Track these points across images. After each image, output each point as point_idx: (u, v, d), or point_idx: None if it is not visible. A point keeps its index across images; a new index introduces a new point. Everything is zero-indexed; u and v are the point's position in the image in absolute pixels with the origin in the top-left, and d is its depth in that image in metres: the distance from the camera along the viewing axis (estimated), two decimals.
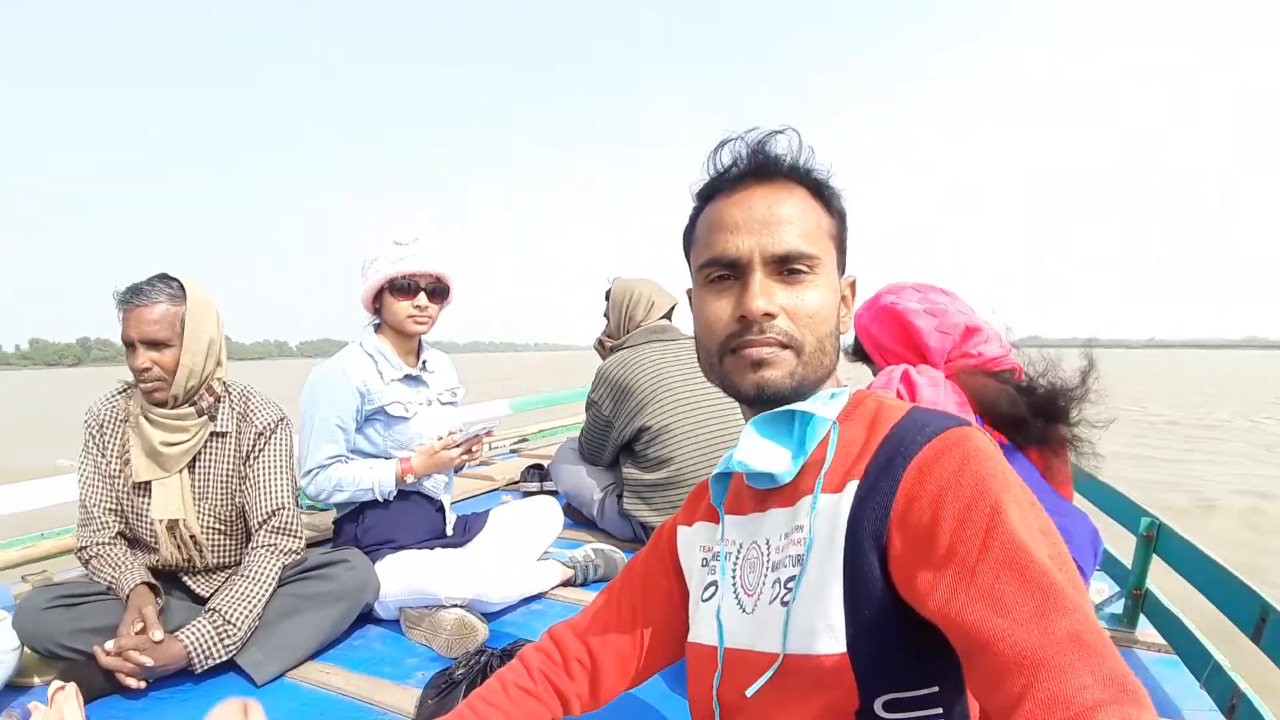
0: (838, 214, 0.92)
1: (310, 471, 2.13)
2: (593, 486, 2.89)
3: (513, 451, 4.92)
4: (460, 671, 1.52)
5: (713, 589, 0.97)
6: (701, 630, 0.98)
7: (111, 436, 1.90)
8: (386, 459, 2.21)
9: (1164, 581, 1.85)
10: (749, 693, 0.84)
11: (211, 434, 1.93)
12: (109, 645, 1.63)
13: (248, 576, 1.84)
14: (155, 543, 1.90)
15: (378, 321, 2.26)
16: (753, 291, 0.84)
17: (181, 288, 1.83)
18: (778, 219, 0.85)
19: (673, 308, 2.85)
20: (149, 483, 1.88)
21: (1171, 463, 9.98)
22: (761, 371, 0.85)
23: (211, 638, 1.72)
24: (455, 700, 1.41)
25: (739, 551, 0.95)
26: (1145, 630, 1.87)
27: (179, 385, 1.84)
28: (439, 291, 2.21)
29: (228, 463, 1.95)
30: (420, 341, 2.33)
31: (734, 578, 0.94)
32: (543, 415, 6.03)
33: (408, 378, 2.24)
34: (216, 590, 1.90)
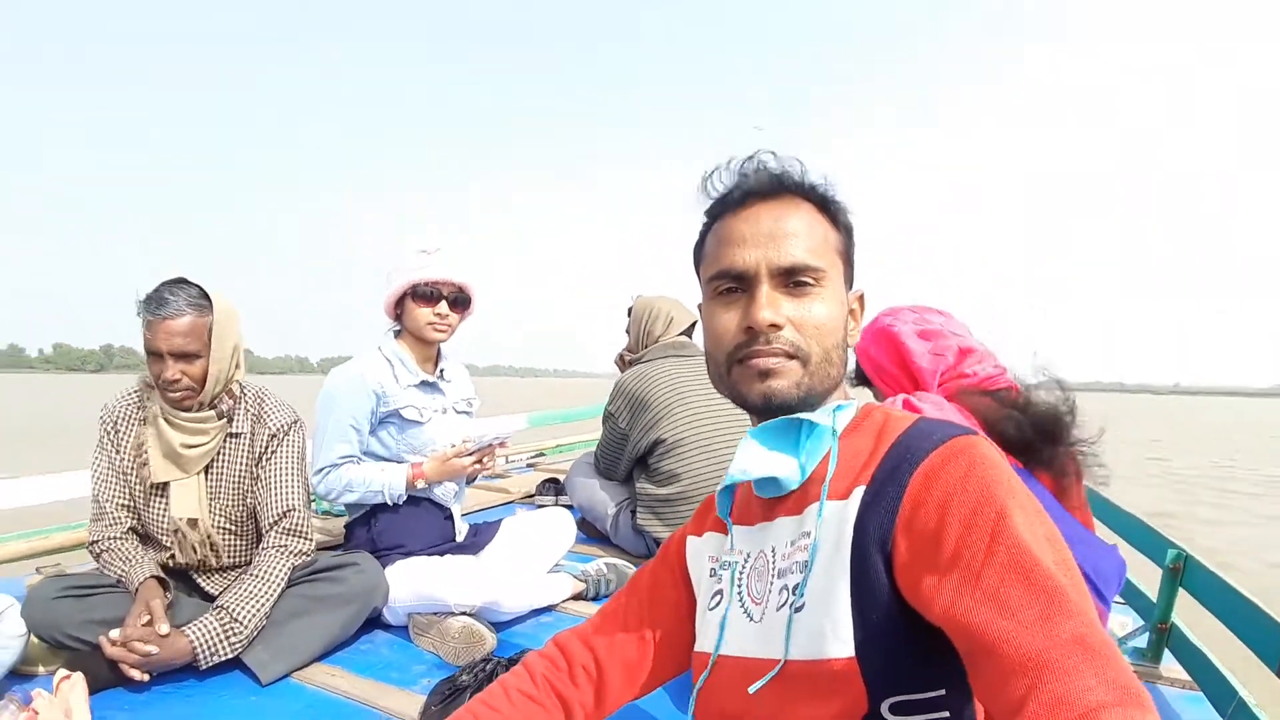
0: (844, 229, 0.95)
1: (322, 470, 2.14)
2: (606, 501, 2.87)
3: (529, 465, 4.93)
4: (465, 678, 1.50)
5: (718, 598, 0.98)
6: (707, 639, 0.98)
7: (126, 435, 1.91)
8: (399, 463, 2.21)
9: (1189, 616, 1.80)
10: (751, 690, 0.85)
11: (227, 435, 1.93)
12: (114, 634, 1.63)
13: (257, 576, 1.84)
14: (169, 542, 1.91)
15: (398, 328, 2.27)
16: (759, 303, 0.86)
17: (205, 295, 1.83)
18: (784, 233, 0.88)
19: (693, 325, 2.86)
20: (165, 483, 1.89)
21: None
22: (768, 381, 0.87)
23: (218, 634, 1.71)
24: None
25: (747, 561, 0.95)
26: (1169, 665, 1.82)
27: (206, 393, 1.85)
28: (460, 301, 2.23)
29: (241, 464, 1.95)
30: (439, 350, 2.34)
31: (741, 587, 0.94)
32: (560, 431, 6.03)
33: (424, 384, 2.25)
34: (225, 589, 1.90)
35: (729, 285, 0.90)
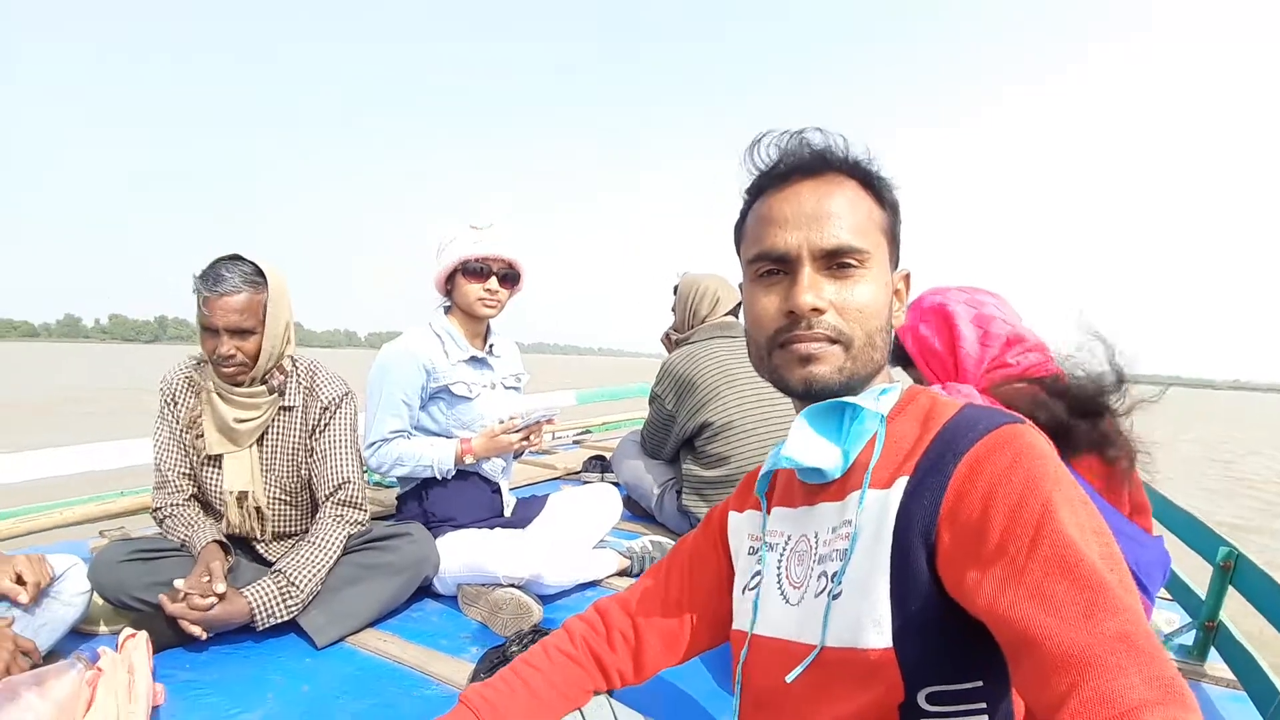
0: (890, 206, 0.92)
1: (373, 444, 2.18)
2: (652, 481, 2.88)
3: (575, 443, 4.97)
4: (514, 649, 1.53)
5: (758, 578, 0.97)
6: (744, 618, 0.98)
7: (184, 407, 1.97)
8: (448, 438, 2.24)
9: (1236, 615, 1.76)
10: (789, 679, 0.85)
11: (280, 408, 1.98)
12: (177, 583, 1.69)
13: (313, 543, 1.89)
14: (224, 511, 1.97)
15: (448, 304, 2.30)
16: (801, 286, 0.84)
17: (259, 271, 1.86)
18: (827, 213, 0.85)
19: (740, 304, 2.83)
20: (220, 455, 1.95)
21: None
22: (810, 367, 0.85)
23: (275, 597, 1.76)
24: None
25: (787, 544, 0.95)
26: (1214, 664, 1.78)
27: (259, 368, 1.89)
28: (510, 277, 2.25)
29: (294, 436, 2.00)
30: (489, 325, 2.36)
31: (780, 569, 0.94)
32: (606, 408, 6.06)
33: (473, 359, 2.28)
34: (283, 555, 1.95)
35: (770, 267, 0.88)
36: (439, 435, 2.26)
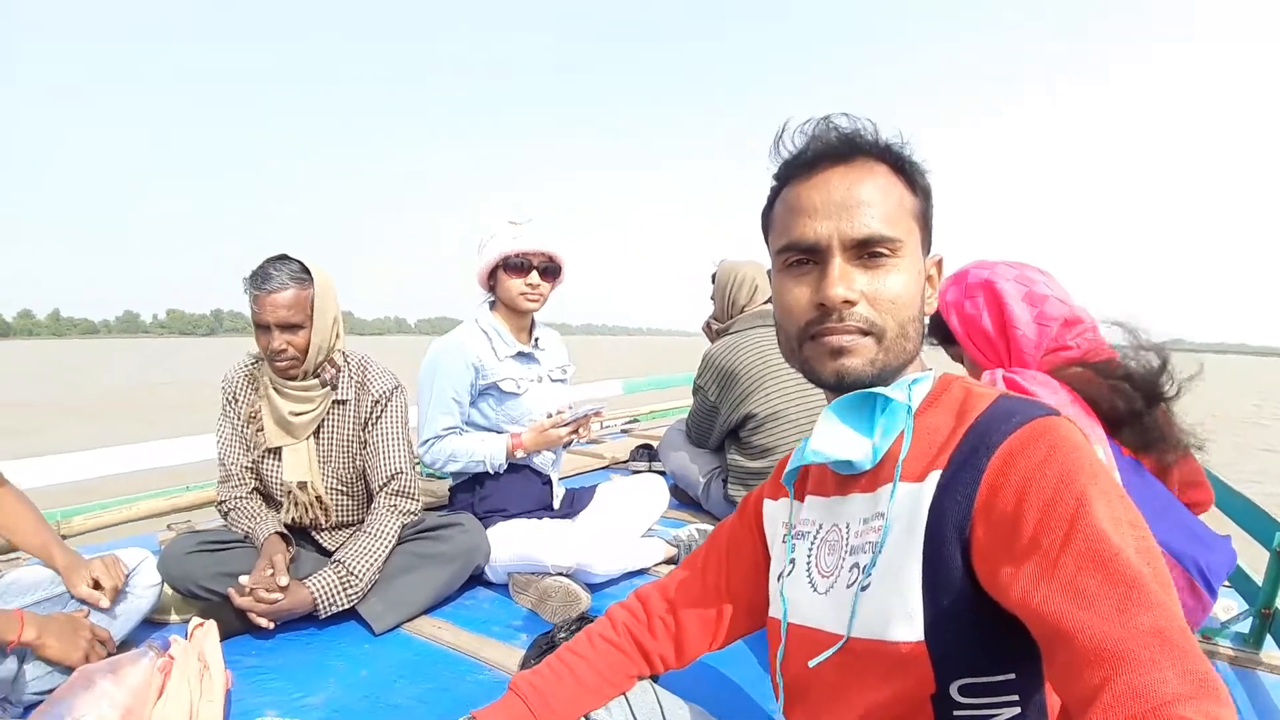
0: (922, 191, 0.89)
1: (427, 441, 2.24)
2: (697, 470, 2.90)
3: (623, 431, 4.99)
4: (562, 635, 1.56)
5: (790, 566, 0.98)
6: (776, 606, 0.99)
7: (244, 403, 2.05)
8: (499, 433, 2.29)
9: None
10: (811, 664, 0.86)
11: (334, 402, 2.05)
12: (243, 580, 1.77)
13: (370, 533, 1.96)
14: (285, 501, 2.05)
15: (492, 299, 2.34)
16: (832, 278, 0.82)
17: (305, 269, 1.93)
18: (857, 201, 0.83)
19: None
20: (278, 448, 2.02)
21: None
22: (841, 359, 0.84)
23: (336, 586, 1.84)
24: None
25: (818, 532, 0.95)
26: (1271, 652, 1.74)
27: (310, 361, 1.96)
28: (550, 270, 2.28)
29: (349, 428, 2.07)
30: (533, 319, 2.40)
31: (810, 557, 0.94)
32: (654, 397, 6.08)
33: (520, 354, 2.32)
34: (341, 545, 2.03)
35: (799, 257, 0.86)
36: (489, 430, 2.31)
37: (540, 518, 2.29)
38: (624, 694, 1.09)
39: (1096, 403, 1.34)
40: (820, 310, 0.84)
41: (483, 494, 2.29)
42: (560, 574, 2.01)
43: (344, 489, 2.09)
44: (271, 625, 1.79)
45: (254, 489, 2.07)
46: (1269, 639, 1.76)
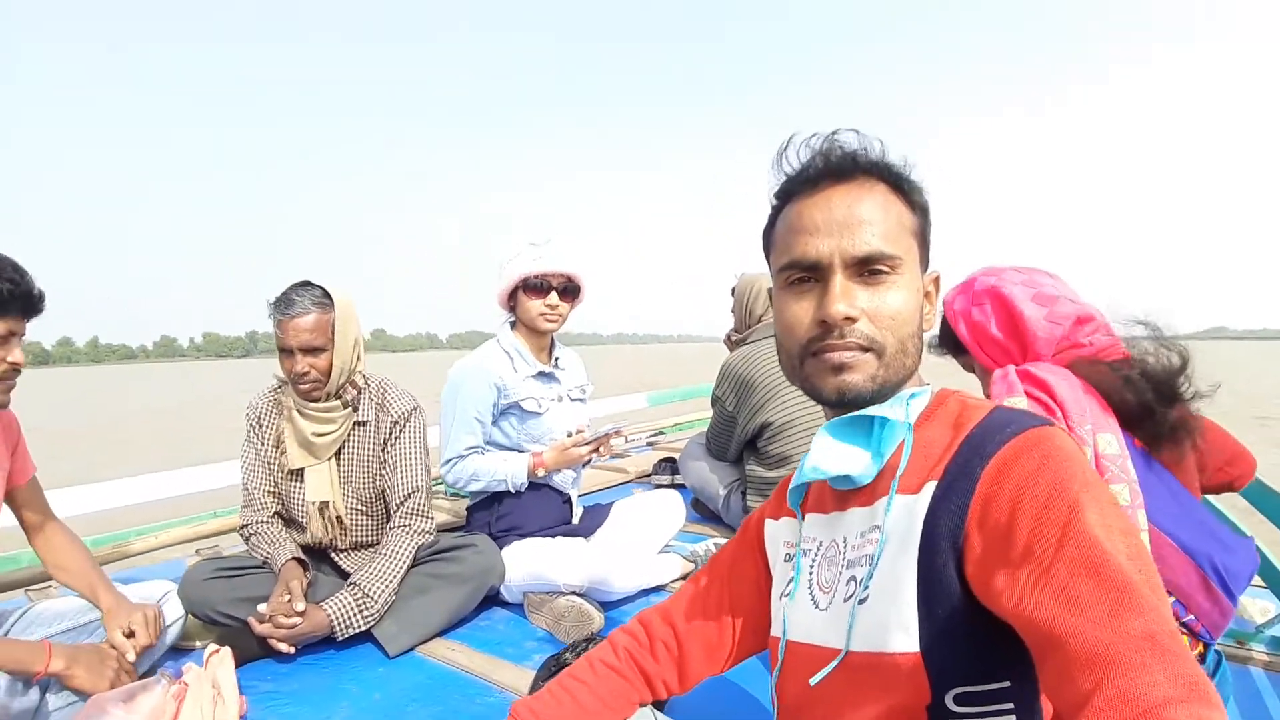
0: (920, 209, 0.90)
1: (450, 460, 2.26)
2: (717, 482, 2.89)
3: (648, 444, 4.98)
4: (570, 656, 1.56)
5: (791, 584, 0.98)
6: (778, 625, 0.99)
7: (269, 428, 2.10)
8: (520, 452, 2.31)
9: None
10: (812, 682, 0.86)
11: (355, 423, 2.08)
12: (261, 609, 1.80)
13: (385, 555, 1.98)
14: (306, 522, 2.08)
15: (513, 319, 2.37)
16: (833, 295, 0.83)
17: (326, 294, 1.98)
18: (857, 219, 0.84)
19: None
20: (302, 469, 2.06)
21: None
22: (843, 376, 0.84)
23: (352, 609, 1.86)
24: None
25: (819, 549, 0.95)
26: None
27: (332, 384, 2.00)
28: (570, 290, 2.31)
29: (369, 449, 2.10)
30: (552, 339, 2.42)
31: (811, 575, 0.94)
32: (679, 409, 6.06)
33: (541, 374, 2.34)
34: (358, 566, 2.05)
35: (801, 275, 0.87)
36: (511, 450, 2.33)
37: (554, 535, 2.30)
38: None
39: (1109, 395, 1.33)
40: (822, 327, 0.85)
41: (500, 512, 2.30)
42: (573, 593, 2.02)
43: (364, 509, 2.13)
44: (292, 650, 1.81)
45: (276, 513, 2.11)
46: None
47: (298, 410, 2.04)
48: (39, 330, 1.55)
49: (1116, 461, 1.24)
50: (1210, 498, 1.96)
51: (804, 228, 0.86)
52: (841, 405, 0.87)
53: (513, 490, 2.27)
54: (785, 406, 2.52)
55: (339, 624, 1.85)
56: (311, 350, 1.94)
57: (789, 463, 2.49)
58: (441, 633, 1.99)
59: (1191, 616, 1.25)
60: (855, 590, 0.83)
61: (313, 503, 2.06)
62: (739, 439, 2.71)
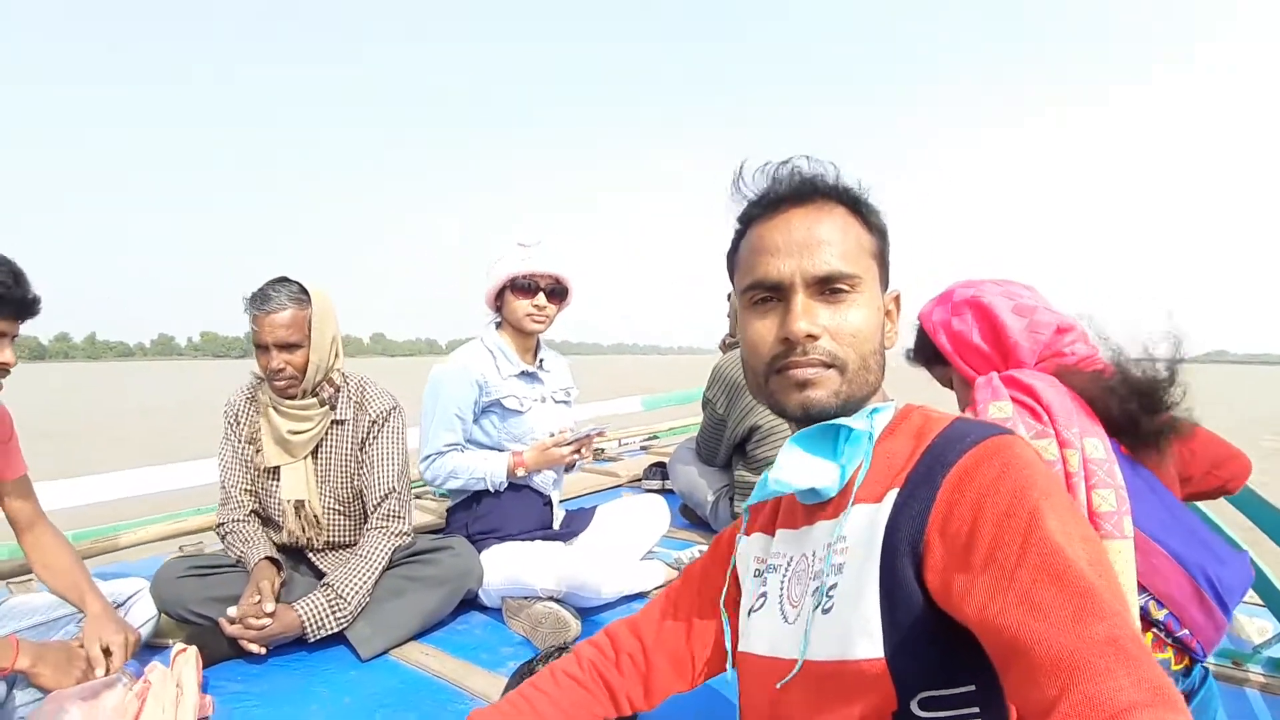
0: (878, 231, 0.94)
1: (428, 457, 2.24)
2: (705, 488, 2.87)
3: (642, 449, 4.96)
4: (540, 665, 1.54)
5: (763, 600, 0.97)
6: (747, 640, 0.98)
7: (245, 425, 2.08)
8: (500, 451, 2.29)
9: None
10: (778, 685, 0.86)
11: (332, 422, 2.06)
12: (231, 612, 1.77)
13: (361, 556, 1.96)
14: (282, 521, 2.06)
15: (499, 320, 2.35)
16: (795, 313, 0.85)
17: (303, 290, 1.96)
18: (817, 240, 0.87)
19: None
20: (278, 467, 2.04)
21: None
22: (806, 392, 0.87)
23: (325, 610, 1.84)
24: None
25: (789, 565, 0.95)
26: None
27: (308, 380, 1.98)
28: (558, 292, 2.30)
29: (346, 448, 2.08)
30: (538, 341, 2.40)
31: (782, 590, 0.94)
32: (673, 414, 6.03)
33: (524, 374, 2.32)
34: (335, 567, 2.03)
35: (764, 295, 0.90)
36: (492, 449, 2.31)
37: (534, 539, 2.27)
38: None
39: (1093, 402, 1.33)
40: (785, 344, 0.87)
41: (479, 513, 2.28)
42: (551, 598, 1.99)
43: (341, 509, 2.10)
44: (263, 651, 1.78)
45: (252, 511, 2.08)
46: None
47: (274, 407, 2.02)
48: (36, 325, 1.53)
49: (1103, 466, 1.23)
50: (1207, 513, 1.93)
51: (765, 249, 0.89)
52: (807, 421, 0.89)
53: (491, 489, 2.24)
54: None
55: (311, 625, 1.82)
56: (287, 346, 1.93)
57: None
58: (416, 636, 1.96)
59: (1186, 631, 1.23)
60: (822, 600, 0.83)
61: (288, 501, 2.04)
62: (729, 442, 2.70)
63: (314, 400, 2.03)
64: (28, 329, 1.49)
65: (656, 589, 2.26)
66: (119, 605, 1.78)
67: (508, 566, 2.07)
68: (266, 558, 1.93)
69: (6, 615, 1.68)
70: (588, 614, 2.04)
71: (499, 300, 2.31)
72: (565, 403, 2.50)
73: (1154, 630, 1.24)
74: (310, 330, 1.95)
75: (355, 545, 2.12)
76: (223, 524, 2.06)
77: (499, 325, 2.36)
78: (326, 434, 2.07)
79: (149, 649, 1.87)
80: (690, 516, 3.05)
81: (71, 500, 2.61)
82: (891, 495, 0.80)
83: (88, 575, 1.70)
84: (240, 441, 2.08)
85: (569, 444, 2.26)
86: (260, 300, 1.92)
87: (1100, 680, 0.56)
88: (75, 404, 24.93)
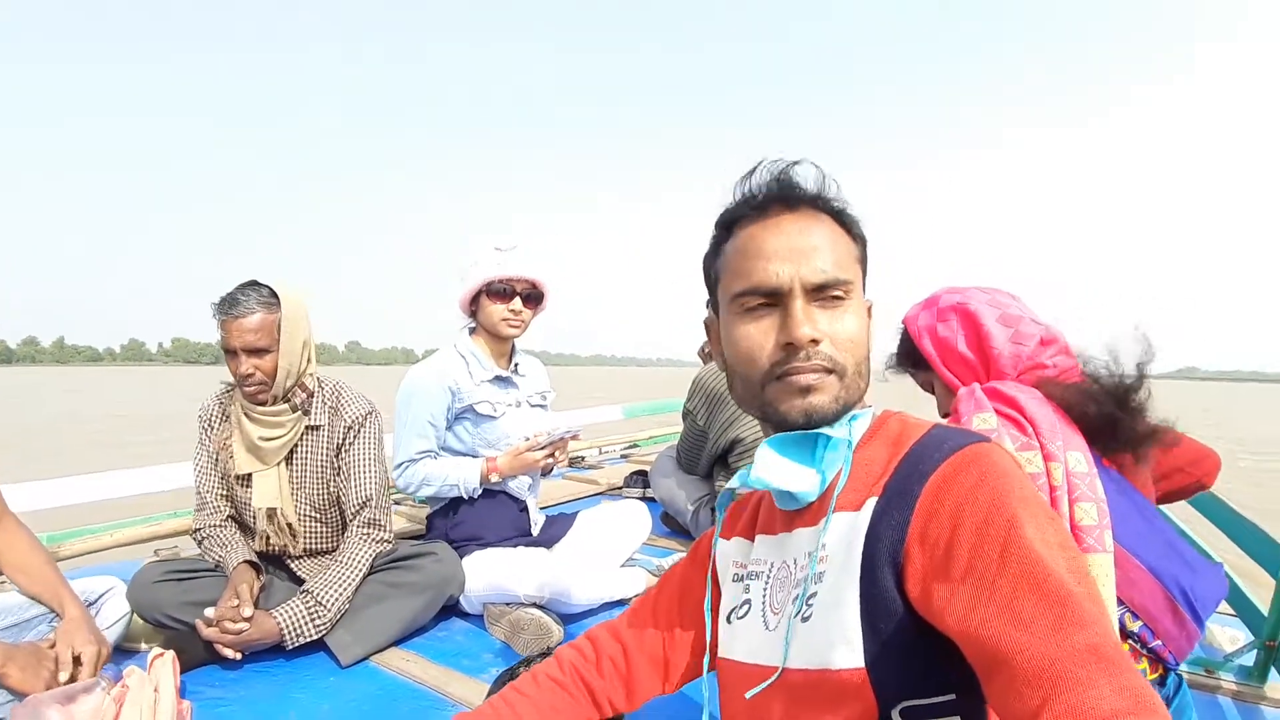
0: (860, 240, 0.93)
1: (401, 465, 2.23)
2: (686, 497, 2.87)
3: (623, 457, 4.96)
4: (522, 670, 1.53)
5: (746, 607, 0.98)
6: (727, 646, 0.99)
7: (218, 431, 2.06)
8: (474, 457, 2.28)
9: None
10: (748, 695, 0.87)
11: (307, 427, 2.04)
12: (208, 613, 1.75)
13: (341, 562, 1.94)
14: (257, 528, 2.04)
15: (473, 324, 2.34)
16: (798, 319, 0.84)
17: (273, 294, 1.94)
18: (813, 246, 0.86)
19: None
20: (251, 474, 2.02)
21: None
22: (810, 397, 0.85)
23: (304, 617, 1.82)
24: None
25: (770, 571, 0.95)
26: (1276, 685, 1.68)
27: (279, 386, 1.96)
28: (533, 297, 2.27)
29: (321, 454, 2.06)
30: (513, 345, 2.39)
31: (765, 596, 0.95)
32: (654, 422, 6.04)
33: (498, 379, 2.31)
34: (314, 573, 2.01)
35: (760, 301, 0.88)
36: (465, 455, 2.29)
37: (516, 545, 2.26)
38: None
39: (1072, 409, 1.34)
40: (787, 350, 0.85)
41: (457, 520, 2.26)
42: (533, 604, 1.98)
43: (318, 515, 2.08)
44: (239, 656, 1.76)
45: (229, 516, 2.06)
46: (1274, 672, 1.70)
47: (245, 414, 1.99)
48: (3, 329, 1.48)
49: (1085, 480, 1.25)
50: (1181, 526, 1.96)
51: (760, 253, 0.87)
52: (807, 426, 0.87)
53: (465, 495, 2.23)
54: (756, 423, 2.49)
55: (289, 633, 1.80)
56: (256, 351, 1.90)
57: None
58: (397, 642, 1.95)
59: (1159, 643, 1.25)
60: (802, 609, 0.84)
61: (260, 509, 2.01)
62: (710, 453, 2.69)
63: (286, 406, 2.00)
64: None
65: (638, 595, 2.26)
66: (91, 603, 1.76)
67: (489, 573, 2.06)
68: (245, 561, 1.91)
69: None
70: (569, 620, 2.04)
71: (474, 305, 2.28)
72: (542, 406, 2.49)
73: (1129, 641, 1.26)
74: (279, 334, 1.92)
75: (334, 552, 2.10)
76: (199, 529, 2.04)
77: (473, 330, 2.34)
78: (300, 440, 2.04)
79: (121, 652, 1.85)
80: (671, 524, 3.05)
81: (41, 503, 2.57)
82: (870, 504, 0.80)
83: (63, 578, 1.67)
84: (214, 448, 2.05)
85: (543, 448, 2.24)
86: (228, 304, 1.90)
87: (1082, 690, 0.56)
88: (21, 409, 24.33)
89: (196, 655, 1.77)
